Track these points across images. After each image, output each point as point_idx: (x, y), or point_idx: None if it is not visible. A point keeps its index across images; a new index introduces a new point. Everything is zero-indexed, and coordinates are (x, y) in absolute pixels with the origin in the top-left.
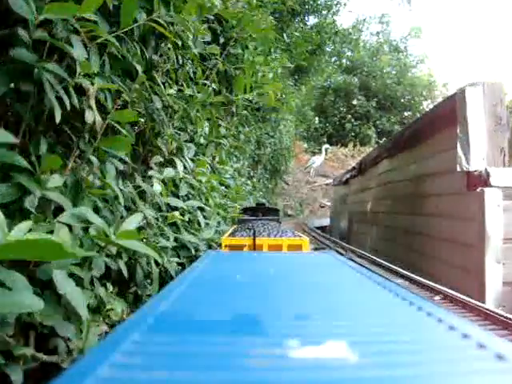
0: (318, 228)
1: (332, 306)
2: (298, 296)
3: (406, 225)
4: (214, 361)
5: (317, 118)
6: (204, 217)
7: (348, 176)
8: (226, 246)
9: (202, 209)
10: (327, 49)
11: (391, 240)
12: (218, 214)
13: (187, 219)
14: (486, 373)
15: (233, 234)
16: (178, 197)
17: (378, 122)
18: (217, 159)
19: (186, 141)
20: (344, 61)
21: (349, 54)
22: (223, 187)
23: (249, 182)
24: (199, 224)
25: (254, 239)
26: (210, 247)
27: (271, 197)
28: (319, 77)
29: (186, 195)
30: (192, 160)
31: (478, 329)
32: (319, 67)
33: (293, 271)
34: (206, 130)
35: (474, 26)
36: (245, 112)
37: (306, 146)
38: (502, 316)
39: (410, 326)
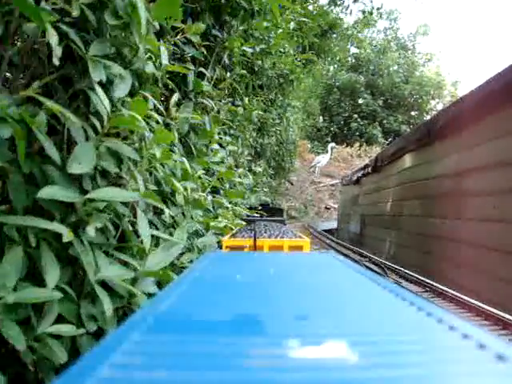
0: (325, 231)
1: (332, 306)
2: (298, 296)
3: (441, 231)
4: (214, 361)
5: (321, 117)
6: (163, 224)
7: (360, 175)
8: (226, 247)
9: (159, 212)
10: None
11: (418, 248)
12: (192, 218)
13: (93, 229)
14: (486, 373)
15: (234, 235)
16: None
17: (384, 122)
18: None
19: (106, 57)
20: (349, 58)
21: (355, 51)
22: (201, 169)
23: (249, 174)
24: (150, 241)
25: (255, 240)
26: (160, 286)
27: (274, 197)
28: (329, 60)
29: (100, 171)
30: (122, 104)
31: (478, 329)
32: (330, 51)
33: (293, 271)
34: (164, 56)
35: (484, 22)
36: (244, 72)
37: (309, 145)
38: None
39: (410, 326)
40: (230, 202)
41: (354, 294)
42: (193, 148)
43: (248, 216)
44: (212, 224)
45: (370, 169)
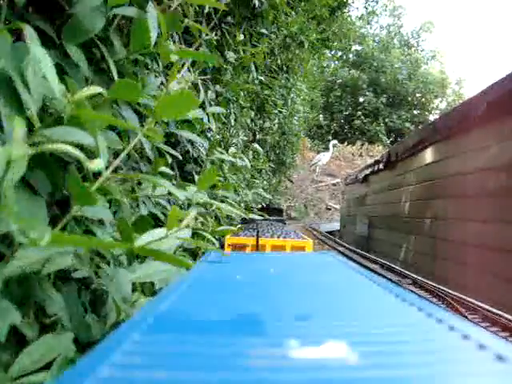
0: (328, 233)
1: (332, 307)
2: (299, 296)
3: (491, 239)
4: (214, 361)
5: (321, 115)
6: None
7: (368, 172)
8: (229, 245)
9: None
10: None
11: (450, 258)
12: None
13: None
14: (485, 374)
15: (236, 233)
16: None
17: (387, 120)
18: None
19: None
20: (351, 56)
21: (357, 48)
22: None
23: (244, 157)
24: None
25: (258, 239)
26: None
27: (273, 196)
28: (339, 42)
29: None
30: None
31: (478, 329)
32: (340, 31)
33: (293, 271)
34: None
35: (490, 20)
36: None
37: (308, 144)
38: None
39: (410, 327)
40: (213, 198)
41: (354, 294)
42: (110, 63)
43: (244, 219)
44: (137, 245)
45: (381, 165)
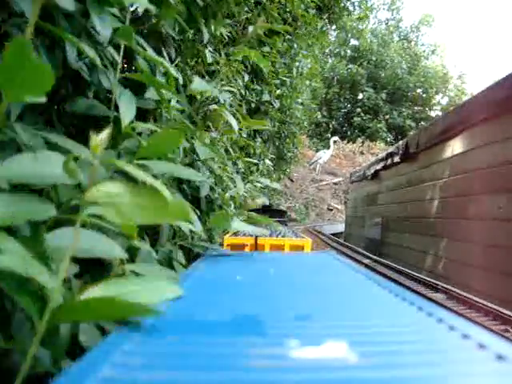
0: (332, 235)
1: (332, 306)
2: (299, 296)
3: None
4: (214, 361)
5: (319, 113)
6: None
7: (378, 167)
8: (227, 245)
9: None
10: None
11: (498, 268)
12: None
13: None
14: (486, 374)
15: (235, 233)
16: None
17: (387, 117)
18: None
19: None
20: (349, 51)
21: (355, 43)
22: None
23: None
24: None
25: (256, 239)
26: None
27: (272, 196)
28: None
29: None
30: None
31: (478, 329)
32: (344, 8)
33: (293, 271)
34: None
35: (492, 12)
36: None
37: (307, 143)
38: None
39: (410, 327)
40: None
41: (354, 294)
42: None
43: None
44: None
45: (396, 158)
